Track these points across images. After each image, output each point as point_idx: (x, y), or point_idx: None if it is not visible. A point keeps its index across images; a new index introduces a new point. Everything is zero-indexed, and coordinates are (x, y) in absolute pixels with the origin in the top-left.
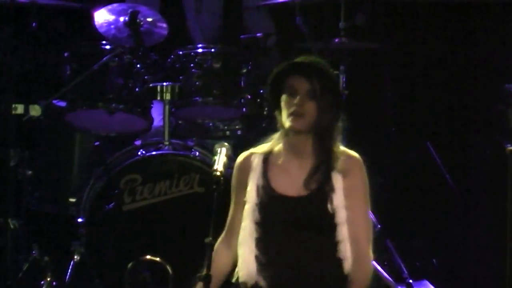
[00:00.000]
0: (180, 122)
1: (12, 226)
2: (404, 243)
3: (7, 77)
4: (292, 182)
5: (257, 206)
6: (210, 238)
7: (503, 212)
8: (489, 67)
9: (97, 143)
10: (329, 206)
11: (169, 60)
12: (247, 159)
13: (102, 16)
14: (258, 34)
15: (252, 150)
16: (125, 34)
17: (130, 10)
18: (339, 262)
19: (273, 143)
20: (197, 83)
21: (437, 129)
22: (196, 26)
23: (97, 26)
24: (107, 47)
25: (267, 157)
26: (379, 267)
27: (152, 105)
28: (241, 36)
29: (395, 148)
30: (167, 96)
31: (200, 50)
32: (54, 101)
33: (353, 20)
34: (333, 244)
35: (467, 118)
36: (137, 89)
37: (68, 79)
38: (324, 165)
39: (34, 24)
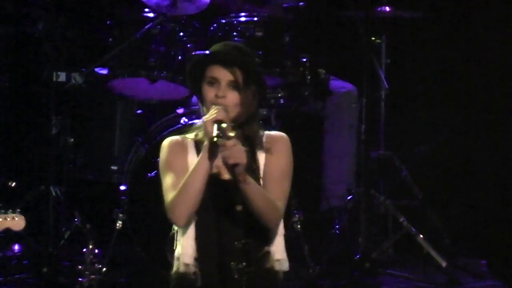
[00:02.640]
0: None
1: (54, 194)
2: (446, 212)
3: (49, 45)
4: (223, 166)
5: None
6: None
7: None
8: None
9: (139, 111)
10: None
11: (211, 28)
12: (182, 143)
13: None
14: (300, 3)
15: (182, 136)
16: (167, 2)
17: None
18: (264, 233)
19: (198, 132)
20: None
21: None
22: None
23: None
24: (150, 15)
25: (198, 145)
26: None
27: None
28: (283, 5)
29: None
30: None
31: (242, 19)
32: (96, 69)
33: None
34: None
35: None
36: (179, 57)
37: (110, 47)
38: (250, 148)
39: None
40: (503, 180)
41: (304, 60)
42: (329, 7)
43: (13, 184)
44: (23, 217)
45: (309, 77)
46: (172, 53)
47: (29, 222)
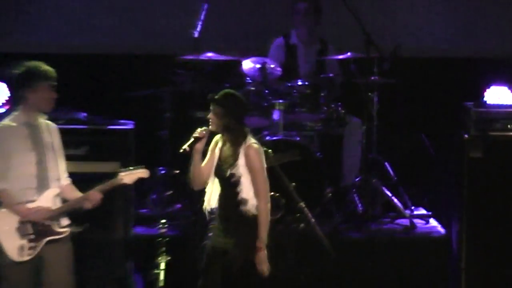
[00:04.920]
0: (287, 121)
1: None
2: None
3: (195, 97)
4: (224, 159)
5: (214, 170)
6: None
7: None
8: None
9: None
10: (235, 173)
11: (282, 87)
12: (215, 141)
13: (247, 64)
14: (330, 75)
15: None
16: (258, 74)
17: (262, 62)
18: (240, 203)
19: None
20: (297, 100)
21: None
22: (302, 69)
23: (243, 69)
24: (248, 80)
25: (218, 143)
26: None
27: (273, 112)
28: (321, 75)
29: None
30: (281, 107)
31: (299, 83)
32: None
33: (381, 67)
34: (238, 193)
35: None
36: (265, 104)
37: None
38: (235, 150)
39: (209, 68)
40: None
41: (333, 105)
42: (347, 76)
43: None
44: (146, 169)
45: (335, 115)
46: (261, 102)
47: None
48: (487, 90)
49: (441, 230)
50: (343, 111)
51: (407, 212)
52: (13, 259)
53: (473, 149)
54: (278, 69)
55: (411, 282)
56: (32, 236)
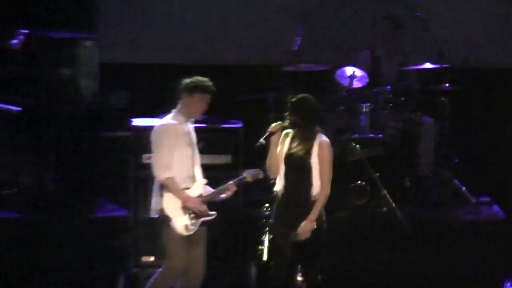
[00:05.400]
0: (373, 121)
1: None
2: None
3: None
4: (296, 151)
5: (285, 158)
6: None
7: None
8: None
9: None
10: (309, 161)
11: (368, 93)
12: (284, 135)
13: (339, 73)
14: (409, 82)
15: (286, 131)
16: (348, 81)
17: (352, 71)
18: (309, 188)
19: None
20: (381, 104)
21: None
22: (385, 77)
23: (336, 77)
24: (340, 86)
25: (289, 135)
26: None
27: (361, 114)
28: (402, 83)
29: None
30: (368, 109)
31: (383, 89)
32: None
33: (452, 76)
34: (309, 179)
35: None
36: (354, 107)
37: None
38: (308, 142)
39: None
40: None
41: (411, 108)
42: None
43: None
44: (262, 172)
45: (413, 116)
46: (346, 103)
47: None
48: None
49: (503, 215)
50: (420, 113)
51: (473, 199)
52: (180, 235)
53: None
54: (366, 77)
55: (477, 261)
56: (193, 215)
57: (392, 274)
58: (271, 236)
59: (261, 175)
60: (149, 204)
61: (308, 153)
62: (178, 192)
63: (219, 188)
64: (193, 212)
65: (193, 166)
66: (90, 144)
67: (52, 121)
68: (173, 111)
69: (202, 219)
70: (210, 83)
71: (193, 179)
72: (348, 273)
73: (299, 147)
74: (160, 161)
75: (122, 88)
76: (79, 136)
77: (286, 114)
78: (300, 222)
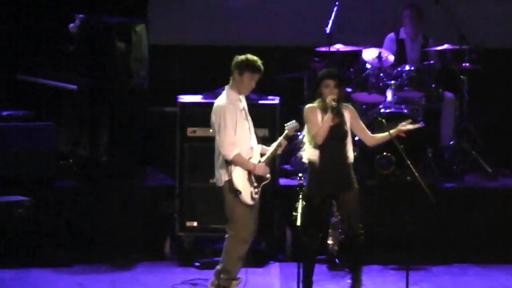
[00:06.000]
0: (398, 98)
1: None
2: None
3: None
4: (335, 122)
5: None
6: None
7: None
8: None
9: (364, 106)
10: (344, 127)
11: (393, 72)
12: (316, 109)
13: (367, 53)
14: (431, 62)
15: (315, 106)
16: (375, 61)
17: (378, 51)
18: (347, 153)
19: (319, 103)
20: (406, 82)
21: None
22: (409, 57)
23: (364, 57)
24: (368, 66)
25: (320, 109)
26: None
27: (387, 91)
28: (424, 62)
29: None
30: (393, 87)
31: (407, 68)
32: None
33: (471, 56)
34: (345, 146)
35: None
36: (380, 84)
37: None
38: (340, 111)
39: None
40: None
41: (433, 86)
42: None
43: None
44: (297, 123)
45: (434, 93)
46: (376, 81)
47: None
48: None
49: None
50: (440, 90)
51: (490, 169)
52: (247, 203)
53: None
54: (391, 57)
55: (495, 225)
56: (255, 184)
57: (415, 236)
58: (305, 203)
59: (298, 126)
60: (194, 173)
61: (343, 120)
62: (246, 164)
63: (273, 148)
64: (256, 181)
65: (250, 137)
66: (140, 119)
67: (106, 98)
68: (226, 88)
69: (263, 183)
70: (259, 62)
71: (252, 149)
72: (376, 234)
73: (337, 119)
74: (226, 140)
75: (170, 68)
76: (131, 111)
77: (334, 88)
78: (339, 187)
